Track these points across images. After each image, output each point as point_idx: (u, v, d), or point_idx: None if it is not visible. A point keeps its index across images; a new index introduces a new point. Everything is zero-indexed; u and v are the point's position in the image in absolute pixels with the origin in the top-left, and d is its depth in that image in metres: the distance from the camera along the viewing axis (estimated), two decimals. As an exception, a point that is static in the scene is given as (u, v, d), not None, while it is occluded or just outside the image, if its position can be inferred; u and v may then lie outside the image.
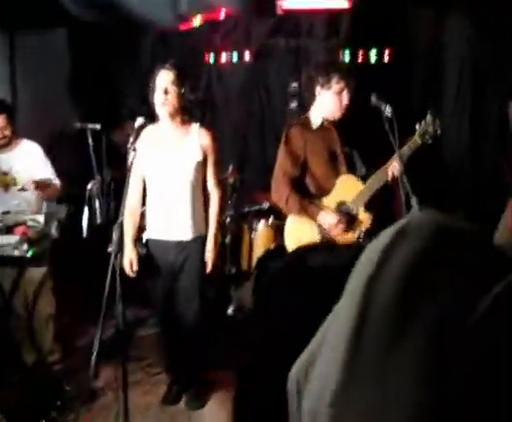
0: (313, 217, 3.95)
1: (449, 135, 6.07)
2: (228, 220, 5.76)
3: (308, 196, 4.01)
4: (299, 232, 4.02)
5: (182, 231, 3.94)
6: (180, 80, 3.81)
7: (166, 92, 3.78)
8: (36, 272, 4.56)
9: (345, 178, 4.02)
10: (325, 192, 4.02)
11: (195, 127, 3.96)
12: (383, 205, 4.13)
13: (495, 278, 0.63)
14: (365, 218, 3.98)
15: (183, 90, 3.82)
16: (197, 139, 3.92)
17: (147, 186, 3.98)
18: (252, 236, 5.75)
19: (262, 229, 5.70)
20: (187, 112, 3.94)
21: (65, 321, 4.97)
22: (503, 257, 0.67)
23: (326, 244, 3.90)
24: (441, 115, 4.30)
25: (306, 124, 4.08)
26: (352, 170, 4.08)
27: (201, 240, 4.00)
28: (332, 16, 6.72)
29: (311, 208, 3.95)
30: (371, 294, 0.66)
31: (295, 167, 4.01)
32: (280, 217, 5.69)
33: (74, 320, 5.22)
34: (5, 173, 4.63)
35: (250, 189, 6.38)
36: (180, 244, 3.95)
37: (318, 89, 4.03)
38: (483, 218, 1.90)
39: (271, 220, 5.70)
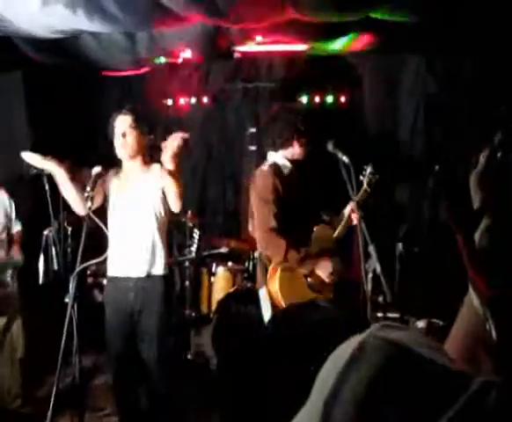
0: (311, 267, 3.97)
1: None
2: (187, 264, 5.75)
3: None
4: (288, 281, 3.96)
5: (143, 268, 3.89)
6: (138, 123, 3.91)
7: (124, 136, 3.87)
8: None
9: (321, 227, 4.16)
10: (299, 238, 3.99)
11: (156, 166, 3.96)
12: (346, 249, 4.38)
13: (448, 400, 0.64)
14: (338, 261, 4.11)
15: (141, 133, 3.92)
16: (158, 178, 3.91)
17: (109, 224, 3.94)
18: (212, 279, 5.74)
19: (221, 273, 5.70)
20: (147, 153, 4.01)
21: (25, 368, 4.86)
22: (455, 378, 0.69)
23: (308, 304, 3.93)
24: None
25: (276, 170, 4.05)
26: (317, 215, 4.21)
27: (162, 279, 3.95)
28: (290, 59, 6.84)
29: (308, 260, 3.95)
30: (329, 413, 0.68)
31: (280, 216, 3.93)
32: (238, 261, 5.71)
33: (32, 368, 5.08)
34: None
35: (209, 233, 6.39)
36: (141, 283, 3.89)
37: (296, 135, 4.06)
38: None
39: (230, 264, 5.71)
